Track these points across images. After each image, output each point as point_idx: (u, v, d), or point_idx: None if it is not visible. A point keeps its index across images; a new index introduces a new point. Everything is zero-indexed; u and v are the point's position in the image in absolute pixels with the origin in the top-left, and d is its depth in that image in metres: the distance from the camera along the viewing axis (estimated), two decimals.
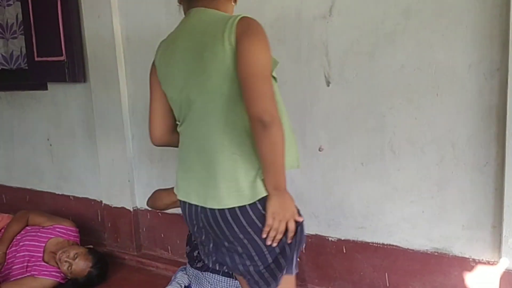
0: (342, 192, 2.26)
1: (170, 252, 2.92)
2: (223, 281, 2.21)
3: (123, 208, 3.04)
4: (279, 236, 1.43)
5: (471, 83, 1.86)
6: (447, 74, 1.91)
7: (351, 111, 2.17)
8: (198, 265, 2.28)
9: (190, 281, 2.25)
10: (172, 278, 2.36)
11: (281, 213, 1.43)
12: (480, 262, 1.97)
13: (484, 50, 1.82)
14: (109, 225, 3.13)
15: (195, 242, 2.34)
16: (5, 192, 3.80)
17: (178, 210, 2.69)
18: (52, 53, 3.10)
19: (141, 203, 3.02)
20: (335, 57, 2.16)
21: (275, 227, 1.42)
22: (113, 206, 3.08)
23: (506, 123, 1.76)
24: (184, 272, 2.34)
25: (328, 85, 2.21)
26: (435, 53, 1.92)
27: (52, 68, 3.12)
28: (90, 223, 3.31)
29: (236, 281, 2.20)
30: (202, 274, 2.25)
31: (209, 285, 2.22)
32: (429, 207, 2.04)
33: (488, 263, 1.95)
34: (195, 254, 2.32)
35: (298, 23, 2.23)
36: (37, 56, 3.19)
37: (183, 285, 2.24)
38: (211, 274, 2.23)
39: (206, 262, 1.63)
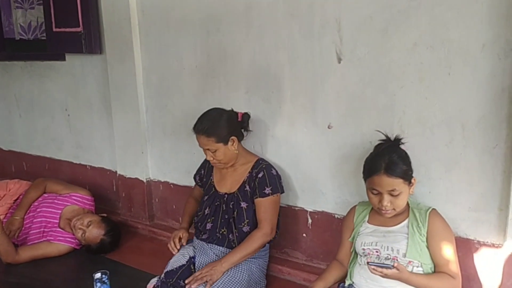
0: (350, 170, 2.26)
1: (181, 222, 2.97)
2: (225, 252, 2.27)
3: (136, 178, 3.11)
4: None
5: (484, 63, 1.81)
6: (460, 54, 1.86)
7: (361, 89, 2.15)
8: (203, 237, 2.34)
9: (195, 253, 2.31)
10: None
11: None
12: (485, 245, 1.96)
13: (499, 29, 1.76)
14: (123, 194, 3.21)
15: (200, 214, 2.39)
16: (25, 159, 3.92)
17: (189, 183, 2.75)
18: (70, 24, 3.15)
19: (154, 174, 3.08)
20: (347, 33, 2.13)
21: None
22: (127, 176, 3.15)
23: None
24: (191, 244, 2.40)
25: (339, 62, 2.18)
26: (449, 31, 1.87)
27: (70, 39, 3.17)
28: (105, 192, 3.40)
29: None
30: (207, 245, 2.31)
31: (214, 254, 2.28)
32: (436, 188, 2.03)
33: (493, 245, 1.94)
34: (200, 226, 2.37)
35: None
36: (55, 27, 3.24)
37: (187, 256, 2.30)
38: (215, 245, 2.29)
39: None
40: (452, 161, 1.97)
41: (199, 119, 2.29)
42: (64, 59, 3.40)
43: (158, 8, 2.78)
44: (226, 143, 2.24)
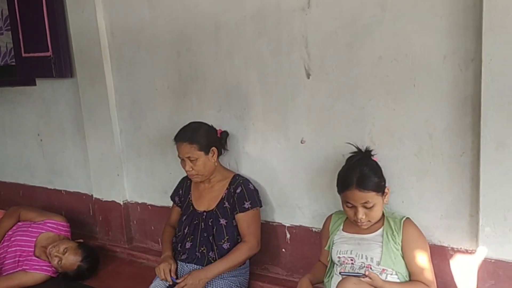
0: (325, 184, 2.27)
1: (160, 244, 2.95)
2: None
3: (113, 201, 3.07)
4: None
5: (446, 74, 1.86)
6: (423, 65, 1.91)
7: (331, 103, 2.18)
8: (182, 257, 2.32)
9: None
10: None
11: None
12: (458, 251, 1.99)
13: (459, 40, 1.81)
14: (101, 218, 3.16)
15: (179, 234, 2.38)
16: None
17: (167, 203, 2.74)
18: (39, 49, 3.13)
19: (131, 196, 3.06)
20: (315, 49, 2.17)
21: None
22: (103, 199, 3.12)
23: (481, 113, 1.76)
24: None
25: (308, 77, 2.21)
26: (411, 44, 1.92)
27: (39, 64, 3.15)
28: (82, 216, 3.35)
29: None
30: (187, 265, 2.29)
31: None
32: (408, 197, 2.06)
33: (466, 251, 1.97)
34: (180, 247, 2.36)
35: (278, 16, 2.23)
36: (25, 52, 3.22)
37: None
38: (195, 265, 2.27)
39: None
40: (422, 170, 2.00)
41: (181, 129, 2.32)
42: (34, 84, 3.36)
43: (128, 30, 2.78)
44: (207, 152, 2.26)
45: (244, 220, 2.28)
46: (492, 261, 1.85)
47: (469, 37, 1.79)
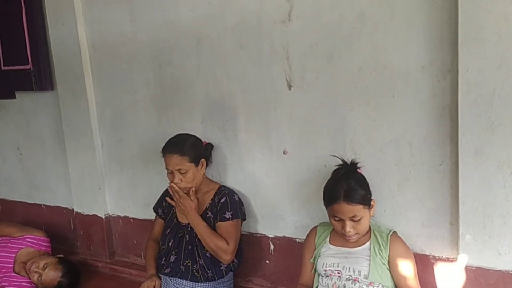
0: (307, 194, 2.28)
1: (143, 258, 2.91)
2: (188, 285, 2.23)
3: (94, 215, 3.03)
4: None
5: (424, 84, 1.90)
6: (401, 76, 1.94)
7: (313, 113, 2.20)
8: (166, 271, 2.29)
9: None
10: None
11: None
12: (440, 259, 2.01)
13: (436, 52, 1.85)
14: (82, 233, 3.12)
15: (163, 248, 2.36)
16: None
17: (149, 216, 2.71)
18: (19, 61, 3.10)
19: (113, 210, 3.02)
20: (296, 61, 2.19)
21: None
22: (84, 213, 3.07)
23: (459, 122, 1.79)
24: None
25: (290, 89, 2.23)
26: (390, 56, 1.95)
27: (19, 77, 3.12)
28: (63, 231, 3.30)
29: (202, 284, 2.22)
30: (170, 279, 2.26)
31: None
32: (390, 206, 2.08)
33: (447, 259, 1.99)
34: (164, 260, 2.33)
35: (259, 28, 2.25)
36: (4, 65, 3.19)
37: None
38: (179, 279, 2.25)
39: None
40: (403, 179, 2.03)
41: (169, 141, 2.29)
42: (14, 97, 3.31)
43: (110, 43, 2.77)
44: (197, 164, 2.25)
45: (223, 227, 2.25)
46: (473, 268, 1.87)
47: (445, 49, 1.83)
